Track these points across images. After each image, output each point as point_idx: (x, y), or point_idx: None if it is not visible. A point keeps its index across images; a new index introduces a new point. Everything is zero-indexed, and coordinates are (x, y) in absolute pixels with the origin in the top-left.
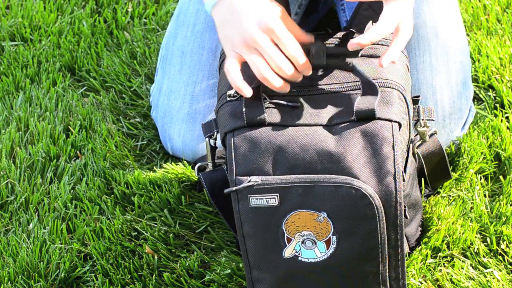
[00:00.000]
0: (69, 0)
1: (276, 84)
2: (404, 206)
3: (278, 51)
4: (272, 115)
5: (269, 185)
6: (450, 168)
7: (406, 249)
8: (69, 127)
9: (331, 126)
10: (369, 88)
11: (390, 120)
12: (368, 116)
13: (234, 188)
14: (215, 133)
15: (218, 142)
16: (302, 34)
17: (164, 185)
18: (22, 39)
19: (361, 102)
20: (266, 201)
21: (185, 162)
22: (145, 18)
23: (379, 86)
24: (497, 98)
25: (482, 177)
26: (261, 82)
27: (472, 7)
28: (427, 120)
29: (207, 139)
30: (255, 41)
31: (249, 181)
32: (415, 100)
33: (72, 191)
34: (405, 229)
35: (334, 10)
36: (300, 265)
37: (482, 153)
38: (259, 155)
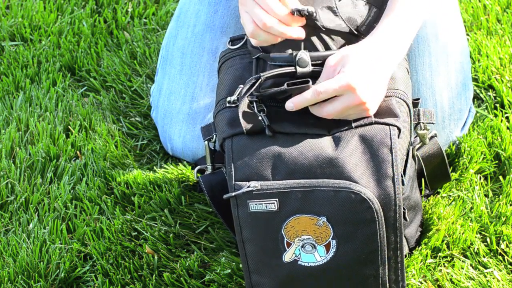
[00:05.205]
0: (69, 0)
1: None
2: (404, 209)
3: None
4: (270, 123)
5: (268, 190)
6: (450, 169)
7: (406, 250)
8: (69, 127)
9: (329, 132)
10: None
11: (388, 124)
12: (365, 120)
13: (233, 194)
14: (214, 136)
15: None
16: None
17: (164, 185)
18: (22, 39)
19: None
20: (266, 206)
21: (185, 162)
22: (145, 18)
23: None
24: (497, 98)
25: (482, 177)
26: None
27: (472, 7)
28: (427, 123)
29: (206, 142)
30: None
31: (248, 187)
32: (415, 103)
33: (72, 191)
34: (404, 230)
35: None
36: (300, 269)
37: (482, 153)
38: (258, 161)
